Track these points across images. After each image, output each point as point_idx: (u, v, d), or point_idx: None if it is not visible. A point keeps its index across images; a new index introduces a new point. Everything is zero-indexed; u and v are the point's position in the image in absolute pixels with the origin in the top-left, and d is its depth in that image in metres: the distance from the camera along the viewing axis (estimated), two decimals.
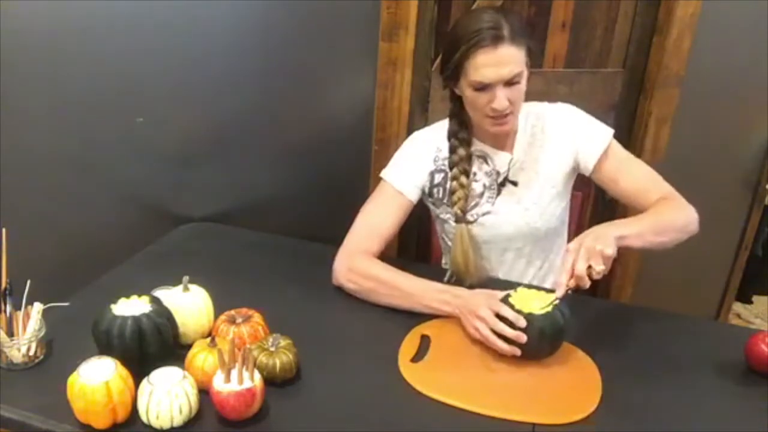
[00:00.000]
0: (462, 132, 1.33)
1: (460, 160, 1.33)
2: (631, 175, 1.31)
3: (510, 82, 1.19)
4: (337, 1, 1.59)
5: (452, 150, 1.34)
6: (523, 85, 1.22)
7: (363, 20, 1.63)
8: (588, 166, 1.32)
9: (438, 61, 1.75)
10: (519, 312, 1.07)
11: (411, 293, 1.21)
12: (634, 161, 1.34)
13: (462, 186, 1.33)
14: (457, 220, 1.35)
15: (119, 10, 1.48)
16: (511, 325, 1.06)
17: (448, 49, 1.23)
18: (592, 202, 1.64)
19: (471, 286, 1.28)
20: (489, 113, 1.22)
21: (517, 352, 1.07)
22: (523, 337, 1.05)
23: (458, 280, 1.34)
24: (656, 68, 1.77)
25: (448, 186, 1.36)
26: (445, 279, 1.35)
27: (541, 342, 1.06)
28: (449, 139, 1.35)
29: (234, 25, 1.58)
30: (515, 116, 1.28)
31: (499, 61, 1.17)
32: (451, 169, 1.34)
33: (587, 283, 1.05)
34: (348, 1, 1.60)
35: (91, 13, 1.47)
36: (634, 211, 1.28)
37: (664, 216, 1.21)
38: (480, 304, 1.12)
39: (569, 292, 1.06)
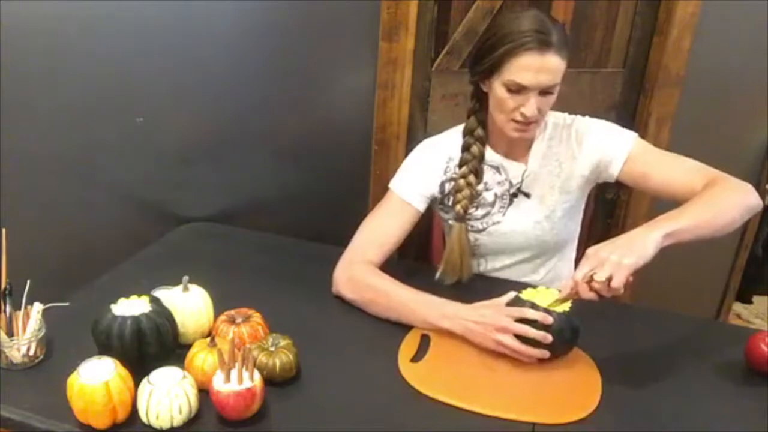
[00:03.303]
0: (479, 131, 1.30)
1: (473, 159, 1.30)
2: (666, 172, 1.22)
3: (544, 91, 1.17)
4: (337, 1, 1.59)
5: (466, 148, 1.31)
6: (554, 97, 1.20)
7: (363, 20, 1.63)
8: (612, 174, 1.27)
9: (436, 54, 1.76)
10: (538, 308, 1.05)
11: (411, 308, 1.18)
12: (667, 157, 1.26)
13: (469, 185, 1.31)
14: (458, 219, 1.33)
15: (119, 10, 1.48)
16: (534, 326, 1.04)
17: (488, 44, 1.19)
18: (592, 202, 1.63)
19: (459, 283, 1.31)
20: (515, 117, 1.20)
21: (546, 354, 1.04)
22: (548, 337, 1.03)
23: (449, 277, 1.34)
24: (656, 68, 1.78)
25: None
26: (437, 276, 1.35)
27: (560, 340, 1.04)
28: (464, 136, 1.32)
29: (234, 25, 1.58)
30: (538, 125, 1.25)
31: (543, 68, 1.14)
32: (460, 167, 1.32)
33: (586, 294, 0.99)
34: (348, 1, 1.60)
35: (91, 13, 1.47)
36: (671, 206, 1.18)
37: (715, 198, 1.11)
38: (495, 316, 1.08)
39: (573, 297, 1.03)
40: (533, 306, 1.06)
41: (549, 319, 1.03)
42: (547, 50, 1.13)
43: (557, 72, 1.16)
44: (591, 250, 1.02)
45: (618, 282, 0.95)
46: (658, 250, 0.99)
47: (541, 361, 1.07)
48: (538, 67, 1.14)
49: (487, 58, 1.19)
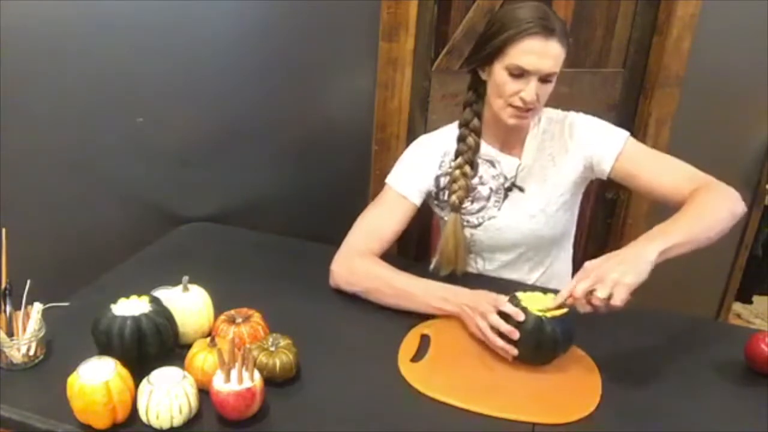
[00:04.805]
0: (475, 122, 1.32)
1: (468, 150, 1.31)
2: (655, 173, 1.24)
3: (544, 79, 1.19)
4: (337, 1, 1.59)
5: (461, 139, 1.33)
6: (551, 86, 1.21)
7: (363, 20, 1.63)
8: (604, 170, 1.28)
9: (436, 54, 1.76)
10: (524, 310, 1.06)
11: (412, 293, 1.21)
12: (658, 158, 1.28)
13: (464, 175, 1.32)
14: (453, 209, 1.33)
15: (119, 10, 1.48)
16: (511, 322, 1.05)
17: (490, 31, 1.21)
18: (592, 202, 1.63)
19: (453, 274, 1.32)
20: (514, 102, 1.21)
21: (514, 351, 1.05)
22: (515, 333, 1.04)
23: (444, 268, 1.35)
24: (656, 68, 1.78)
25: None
26: (431, 267, 1.36)
27: (531, 342, 1.04)
28: (460, 127, 1.34)
29: (234, 25, 1.58)
30: (535, 114, 1.27)
31: (545, 53, 1.16)
32: (456, 158, 1.33)
33: (585, 308, 1.01)
34: (348, 1, 1.61)
35: (91, 13, 1.47)
36: (669, 209, 1.18)
37: (706, 210, 1.13)
38: (483, 302, 1.12)
39: (567, 306, 1.03)
40: (518, 304, 1.06)
41: (521, 316, 1.04)
42: (551, 36, 1.16)
43: (558, 59, 1.18)
44: (590, 265, 1.02)
45: (619, 300, 0.97)
46: (651, 270, 1.01)
47: (540, 362, 1.07)
48: (541, 51, 1.16)
49: (489, 43, 1.20)
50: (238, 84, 1.63)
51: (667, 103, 1.80)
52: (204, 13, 1.53)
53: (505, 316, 1.07)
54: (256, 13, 1.59)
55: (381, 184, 1.38)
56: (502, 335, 1.06)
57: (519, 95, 1.20)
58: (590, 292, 0.99)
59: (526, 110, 1.21)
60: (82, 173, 1.62)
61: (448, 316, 1.19)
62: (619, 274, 0.98)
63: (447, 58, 1.76)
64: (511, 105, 1.22)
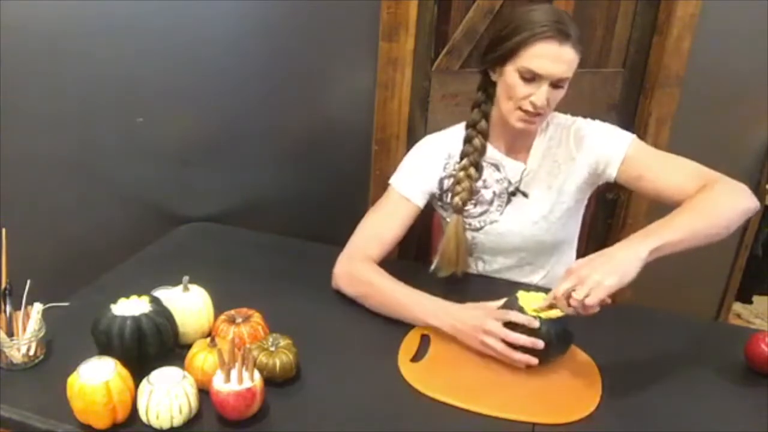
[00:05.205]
0: (482, 123, 1.31)
1: (474, 151, 1.30)
2: (661, 174, 1.21)
3: (555, 84, 1.17)
4: (337, 1, 1.59)
5: (468, 140, 1.32)
6: (563, 92, 1.20)
7: (363, 20, 1.63)
8: (610, 174, 1.26)
9: (436, 54, 1.77)
10: (520, 311, 1.05)
11: (404, 304, 1.18)
12: (662, 159, 1.25)
13: (468, 177, 1.31)
14: (456, 211, 1.33)
15: (119, 11, 1.48)
16: (522, 330, 1.04)
17: (505, 31, 1.19)
18: (592, 202, 1.63)
19: (453, 276, 1.31)
20: (523, 106, 1.19)
21: (534, 361, 1.04)
22: (540, 344, 1.02)
23: (444, 269, 1.34)
24: (656, 68, 1.78)
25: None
26: (432, 268, 1.35)
27: (549, 347, 1.04)
28: (467, 128, 1.33)
29: (234, 25, 1.58)
30: (543, 119, 1.25)
31: (559, 58, 1.14)
32: (461, 159, 1.32)
33: (565, 309, 1.00)
34: (348, 1, 1.60)
35: (91, 14, 1.47)
36: (670, 209, 1.13)
37: (706, 205, 1.09)
38: (483, 318, 1.08)
39: (554, 308, 1.03)
40: (522, 310, 1.06)
41: (535, 324, 1.03)
42: (566, 42, 1.14)
43: (571, 65, 1.17)
44: (574, 266, 1.01)
45: (592, 300, 0.95)
46: (641, 268, 0.98)
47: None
48: (555, 56, 1.14)
49: (502, 44, 1.19)
50: (238, 84, 1.63)
51: (667, 102, 1.80)
52: (204, 13, 1.53)
53: (512, 325, 1.05)
54: (256, 13, 1.59)
55: (381, 185, 1.39)
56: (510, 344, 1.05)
57: (529, 99, 1.18)
58: (571, 293, 0.98)
59: (535, 114, 1.20)
60: (82, 174, 1.63)
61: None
62: (601, 275, 0.96)
63: (447, 58, 1.76)
64: (520, 108, 1.20)
